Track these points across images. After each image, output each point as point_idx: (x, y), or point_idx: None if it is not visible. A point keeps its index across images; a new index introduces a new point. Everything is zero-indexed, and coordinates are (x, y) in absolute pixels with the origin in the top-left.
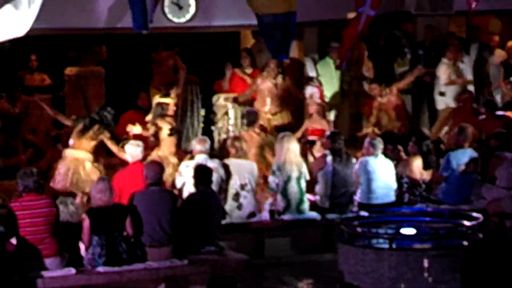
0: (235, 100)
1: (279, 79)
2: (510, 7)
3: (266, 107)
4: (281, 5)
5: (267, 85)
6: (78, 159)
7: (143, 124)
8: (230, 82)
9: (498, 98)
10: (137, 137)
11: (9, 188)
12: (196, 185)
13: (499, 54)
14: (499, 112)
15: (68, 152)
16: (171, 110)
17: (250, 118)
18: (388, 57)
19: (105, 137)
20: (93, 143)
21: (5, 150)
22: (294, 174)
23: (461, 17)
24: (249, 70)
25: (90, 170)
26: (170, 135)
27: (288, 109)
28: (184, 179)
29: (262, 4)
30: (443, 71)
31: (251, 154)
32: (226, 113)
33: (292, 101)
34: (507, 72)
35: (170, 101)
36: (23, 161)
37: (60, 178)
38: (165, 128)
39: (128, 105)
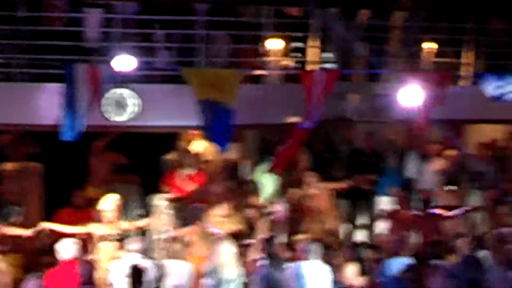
0: (172, 200)
1: (230, 182)
2: (449, 117)
3: (217, 210)
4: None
5: (216, 187)
6: None
7: (79, 223)
8: (169, 181)
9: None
10: (71, 236)
11: None
12: (129, 285)
13: (438, 163)
14: (434, 210)
15: None
16: (109, 215)
17: (194, 215)
18: (327, 162)
19: None
20: None
21: None
22: (228, 277)
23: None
24: (192, 171)
25: None
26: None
27: (239, 212)
28: (116, 279)
29: (206, 93)
30: None
31: (193, 252)
32: (162, 213)
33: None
34: (445, 180)
35: (108, 206)
36: None
37: None
38: (100, 232)
39: (65, 202)
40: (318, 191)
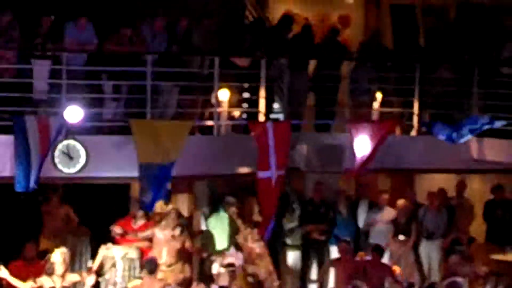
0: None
1: (177, 230)
2: (399, 166)
3: (162, 259)
4: (166, 156)
5: (164, 234)
6: None
7: (30, 276)
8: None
9: (387, 256)
10: None
11: None
12: None
13: (389, 212)
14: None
15: None
16: (58, 268)
17: (150, 266)
18: (277, 212)
19: None
20: None
21: None
22: None
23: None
24: (141, 222)
25: None
26: None
27: (185, 262)
28: None
29: (147, 154)
30: None
31: None
32: (114, 265)
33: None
34: (396, 230)
35: (57, 259)
36: None
37: None
38: (49, 285)
39: (16, 254)
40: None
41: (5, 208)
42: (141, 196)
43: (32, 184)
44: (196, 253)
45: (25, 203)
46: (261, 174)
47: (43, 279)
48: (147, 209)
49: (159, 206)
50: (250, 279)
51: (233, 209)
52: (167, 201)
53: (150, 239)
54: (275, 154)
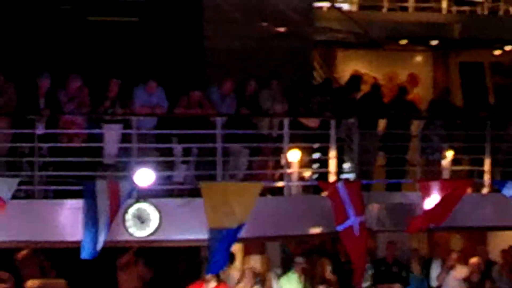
0: None
1: None
2: (470, 224)
3: None
4: (235, 219)
5: None
6: None
7: None
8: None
9: None
10: None
11: None
12: None
13: (461, 271)
14: None
15: None
16: None
17: None
18: (350, 273)
19: None
20: None
21: None
22: None
23: (423, 233)
24: (213, 285)
25: None
26: None
27: None
28: None
29: (217, 219)
30: None
31: None
32: None
33: None
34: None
35: None
36: None
37: None
38: None
39: None
40: None
41: (78, 272)
42: (208, 259)
43: (98, 249)
44: None
45: (97, 267)
46: (341, 227)
47: None
48: (214, 272)
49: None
50: None
51: (302, 269)
52: (231, 262)
53: None
54: (351, 204)
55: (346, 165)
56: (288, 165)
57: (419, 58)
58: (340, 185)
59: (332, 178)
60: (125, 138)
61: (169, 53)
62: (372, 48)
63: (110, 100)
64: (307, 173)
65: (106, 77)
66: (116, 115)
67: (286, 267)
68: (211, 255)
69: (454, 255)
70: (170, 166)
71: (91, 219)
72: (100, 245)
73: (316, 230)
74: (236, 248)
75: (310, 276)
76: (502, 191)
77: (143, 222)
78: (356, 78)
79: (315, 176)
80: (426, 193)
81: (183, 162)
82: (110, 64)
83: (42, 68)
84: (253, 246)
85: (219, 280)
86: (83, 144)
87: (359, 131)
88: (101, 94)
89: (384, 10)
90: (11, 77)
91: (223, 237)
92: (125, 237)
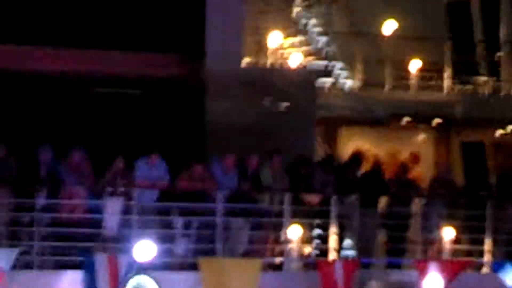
0: None
1: None
2: None
3: None
4: None
5: None
6: None
7: None
8: None
9: None
10: None
11: None
12: None
13: None
14: None
15: None
16: None
17: None
18: None
19: None
20: None
21: None
22: None
23: None
24: None
25: None
26: None
27: None
28: None
29: None
30: None
31: None
32: None
33: None
34: None
35: None
36: None
37: None
38: None
39: None
40: None
41: None
42: None
43: None
44: None
45: None
46: None
47: None
48: None
49: None
50: None
51: None
52: None
53: None
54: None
55: (347, 242)
56: (289, 240)
57: (421, 137)
58: (338, 265)
59: (332, 254)
60: (126, 210)
61: (170, 127)
62: (374, 126)
63: (112, 174)
64: (307, 249)
65: (108, 149)
66: (118, 187)
67: None
68: None
69: None
70: (170, 239)
71: None
72: None
73: None
74: None
75: None
76: (498, 273)
77: None
78: (358, 156)
79: (316, 252)
80: (425, 272)
81: (184, 235)
82: (112, 136)
83: (44, 139)
84: None
85: None
86: (84, 216)
87: (360, 208)
88: (103, 166)
89: (387, 88)
90: (13, 149)
91: None
92: None
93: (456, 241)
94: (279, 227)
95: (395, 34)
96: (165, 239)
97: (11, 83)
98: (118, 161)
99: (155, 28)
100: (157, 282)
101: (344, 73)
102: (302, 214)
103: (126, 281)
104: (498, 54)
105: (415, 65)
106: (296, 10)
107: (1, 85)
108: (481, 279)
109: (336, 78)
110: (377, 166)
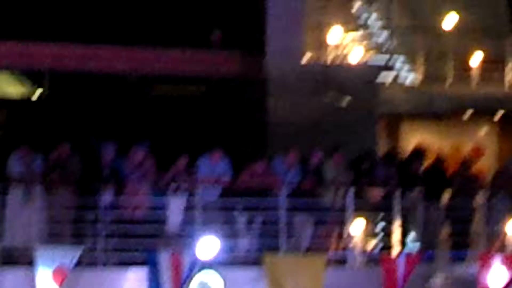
0: None
1: None
2: None
3: None
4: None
5: None
6: None
7: None
8: None
9: None
10: None
11: None
12: None
13: None
14: None
15: None
16: None
17: None
18: None
19: None
20: None
21: None
22: None
23: None
24: None
25: None
26: None
27: None
28: None
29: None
30: None
31: None
32: None
33: None
34: None
35: None
36: None
37: None
38: None
39: None
40: None
41: None
42: None
43: None
44: None
45: None
46: None
47: None
48: None
49: None
50: None
51: None
52: None
53: None
54: (403, 280)
55: (411, 236)
56: (352, 235)
57: (483, 130)
58: (401, 260)
59: (395, 248)
60: (189, 207)
61: (232, 123)
62: (436, 120)
63: (175, 171)
64: (370, 244)
65: (170, 146)
66: (181, 184)
67: None
68: None
69: None
70: (233, 235)
71: None
72: None
73: None
74: None
75: None
76: None
77: None
78: (419, 152)
79: (380, 245)
80: (487, 266)
81: (247, 231)
82: (175, 133)
83: (107, 138)
84: None
85: None
86: (148, 213)
87: (423, 202)
88: (166, 163)
89: (448, 82)
90: (76, 147)
91: None
92: None
93: None
94: (342, 222)
95: (456, 28)
96: (228, 236)
97: (74, 83)
98: (182, 158)
99: (216, 25)
100: (223, 278)
101: (406, 68)
102: (365, 208)
103: (191, 278)
104: None
105: (476, 59)
106: (356, 5)
107: (65, 85)
108: None
109: (397, 73)
110: (439, 163)
